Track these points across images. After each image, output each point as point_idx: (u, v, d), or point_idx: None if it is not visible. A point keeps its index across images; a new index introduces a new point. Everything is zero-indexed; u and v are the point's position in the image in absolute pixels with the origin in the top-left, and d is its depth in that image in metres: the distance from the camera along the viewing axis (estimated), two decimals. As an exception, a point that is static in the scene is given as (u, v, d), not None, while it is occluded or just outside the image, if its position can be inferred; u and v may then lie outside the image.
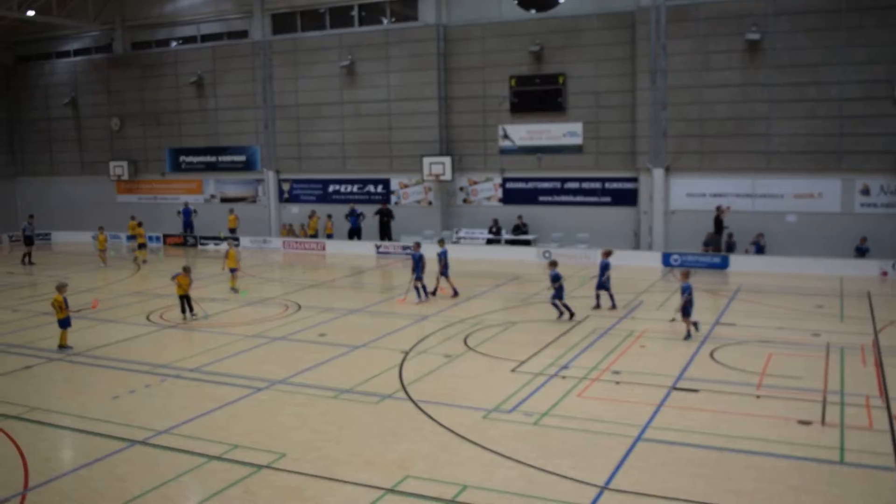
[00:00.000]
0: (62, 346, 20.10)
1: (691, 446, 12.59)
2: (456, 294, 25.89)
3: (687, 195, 32.66)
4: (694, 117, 32.04)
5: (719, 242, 31.33)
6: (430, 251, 34.83)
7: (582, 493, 11.05)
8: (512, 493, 11.05)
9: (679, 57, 31.90)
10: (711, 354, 18.09)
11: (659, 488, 11.11)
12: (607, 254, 23.71)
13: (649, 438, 12.97)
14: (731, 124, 31.54)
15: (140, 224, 37.10)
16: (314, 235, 39.45)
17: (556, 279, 22.21)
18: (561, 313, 22.06)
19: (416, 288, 25.09)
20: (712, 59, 31.53)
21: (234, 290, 27.51)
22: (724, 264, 30.35)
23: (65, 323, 20.17)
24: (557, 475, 11.61)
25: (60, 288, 20.45)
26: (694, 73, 31.83)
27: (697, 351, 18.41)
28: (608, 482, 11.34)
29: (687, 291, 19.70)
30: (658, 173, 32.57)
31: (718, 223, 31.26)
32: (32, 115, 48.76)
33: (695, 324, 19.86)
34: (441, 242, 27.28)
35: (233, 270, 27.71)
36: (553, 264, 22.99)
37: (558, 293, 22.17)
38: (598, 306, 23.37)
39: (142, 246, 36.49)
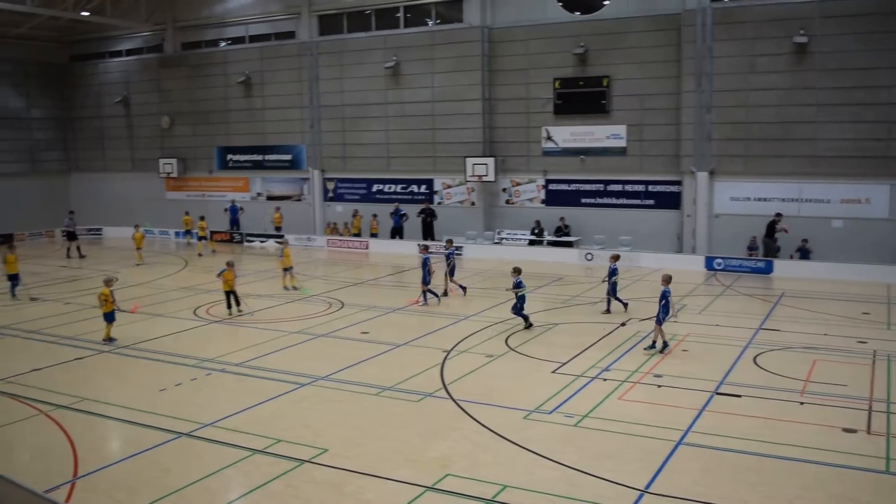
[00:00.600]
0: (107, 339, 20.59)
1: (733, 452, 12.58)
2: (464, 291, 26.35)
3: (731, 199, 32.38)
4: (739, 120, 31.74)
5: (771, 247, 30.83)
6: (472, 251, 35.12)
7: (622, 496, 11.11)
8: (552, 495, 11.13)
9: (725, 60, 31.63)
10: (755, 360, 17.98)
11: (700, 493, 11.12)
12: (616, 258, 23.69)
13: (691, 443, 12.97)
14: (776, 128, 31.20)
15: (202, 218, 39.88)
16: (357, 234, 39.78)
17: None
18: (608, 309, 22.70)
19: (424, 292, 25.18)
20: (758, 62, 31.22)
21: (295, 288, 27.63)
22: (768, 269, 30.05)
23: (109, 317, 20.68)
24: (597, 477, 11.67)
25: (108, 282, 21.00)
26: (740, 75, 31.54)
27: (740, 356, 18.31)
28: (648, 486, 11.38)
29: (664, 298, 18.78)
30: (702, 177, 32.35)
31: (771, 228, 30.73)
32: (86, 114, 49.82)
33: (664, 342, 18.77)
34: (449, 243, 27.55)
35: (287, 269, 27.85)
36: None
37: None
38: (608, 311, 23.31)
39: (202, 238, 39.22)
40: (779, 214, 30.76)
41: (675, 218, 33.71)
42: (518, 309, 21.26)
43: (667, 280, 19.19)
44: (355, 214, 40.08)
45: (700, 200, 32.51)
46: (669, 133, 33.29)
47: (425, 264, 25.05)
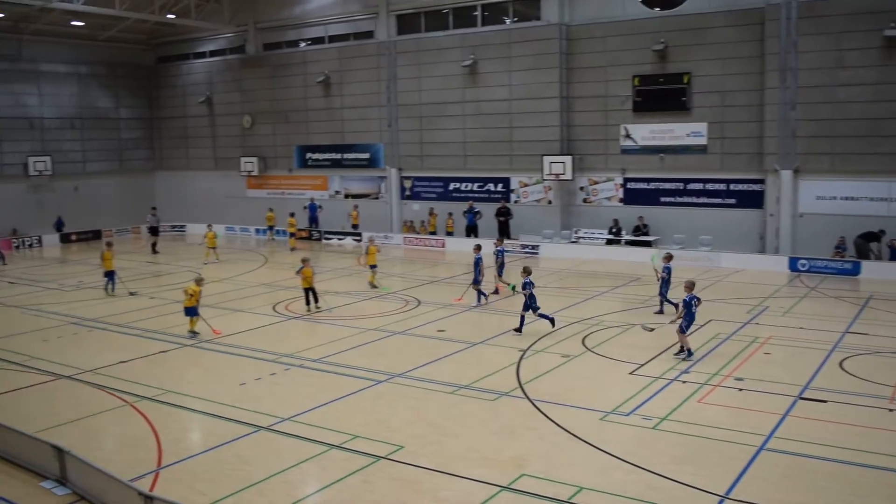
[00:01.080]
0: (191, 332, 21.18)
1: (817, 458, 12.25)
2: (496, 292, 26.26)
3: (817, 198, 31.45)
4: (825, 117, 30.81)
5: (865, 250, 29.77)
6: (548, 250, 34.93)
7: (701, 501, 10.93)
8: (629, 498, 11.01)
9: (810, 55, 30.74)
10: (841, 364, 17.46)
11: (782, 500, 10.87)
12: (669, 258, 23.14)
13: (773, 448, 12.67)
14: (865, 124, 30.18)
15: (292, 215, 40.93)
16: (434, 232, 39.95)
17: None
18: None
19: (480, 292, 24.97)
20: (846, 56, 30.23)
21: (374, 286, 27.85)
22: (855, 271, 29.12)
23: (191, 311, 21.22)
24: (676, 481, 11.50)
25: (198, 281, 21.58)
26: (826, 71, 30.61)
27: (826, 360, 17.80)
28: (729, 491, 11.16)
29: (686, 304, 18.09)
30: (786, 175, 31.51)
31: (872, 236, 29.67)
32: (170, 113, 51.21)
33: (688, 350, 18.10)
34: (499, 241, 27.52)
35: (373, 267, 28.07)
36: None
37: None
38: (660, 311, 22.89)
39: (292, 234, 40.59)
40: (882, 231, 29.72)
41: (757, 217, 32.93)
42: (530, 308, 20.70)
43: (690, 287, 18.47)
44: (431, 212, 40.26)
45: (784, 199, 31.68)
46: (752, 130, 32.53)
47: (477, 264, 24.75)
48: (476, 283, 24.83)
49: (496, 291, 26.26)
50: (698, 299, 18.38)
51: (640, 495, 11.08)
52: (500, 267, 26.75)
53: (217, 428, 14.30)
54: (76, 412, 15.25)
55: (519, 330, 20.72)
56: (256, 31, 46.34)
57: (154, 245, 39.92)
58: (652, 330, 19.76)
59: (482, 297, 25.05)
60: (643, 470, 11.92)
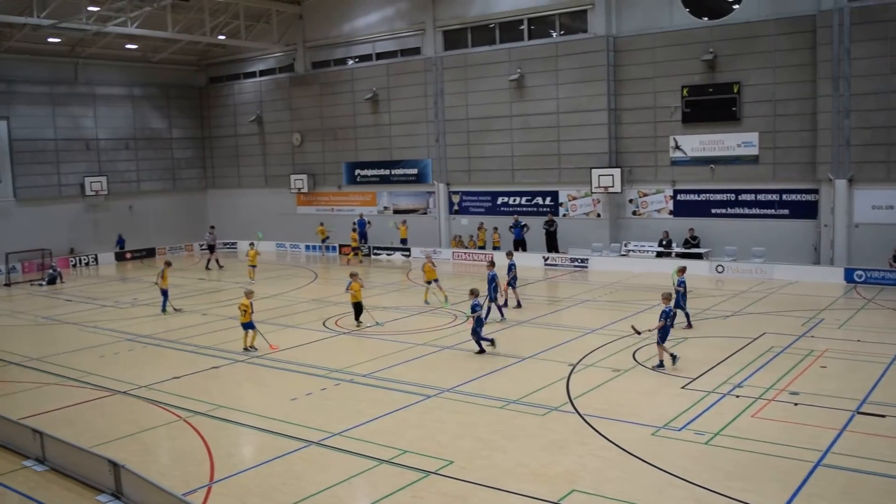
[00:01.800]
0: (246, 348, 21.48)
1: (876, 475, 11.94)
2: (519, 306, 26.18)
3: (872, 207, 30.77)
4: (880, 124, 30.17)
5: None
6: (598, 264, 34.70)
7: (755, 517, 10.73)
8: (681, 514, 10.86)
9: (864, 61, 30.17)
10: (899, 377, 17.05)
11: (839, 517, 10.63)
12: (682, 271, 22.89)
13: (830, 464, 12.39)
14: (922, 132, 29.54)
15: (354, 230, 42.26)
16: (483, 247, 39.92)
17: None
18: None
19: (498, 307, 24.58)
20: (902, 63, 29.67)
21: (436, 299, 27.82)
22: (914, 281, 28.47)
23: (248, 326, 21.54)
24: (729, 498, 11.30)
25: (248, 294, 21.92)
26: (881, 77, 29.97)
27: (884, 373, 17.37)
28: (784, 508, 10.95)
29: (663, 317, 18.27)
30: (840, 184, 30.92)
31: None
32: (222, 133, 52.04)
33: (672, 356, 18.34)
34: (509, 255, 27.62)
35: (433, 281, 27.87)
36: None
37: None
38: (689, 325, 22.54)
39: (355, 249, 41.69)
40: None
41: (811, 228, 32.33)
42: (475, 332, 20.40)
43: (667, 298, 18.75)
44: (480, 227, 40.25)
45: (838, 209, 31.07)
46: (804, 139, 31.99)
47: (492, 281, 24.37)
48: (493, 299, 24.38)
49: (518, 304, 26.38)
50: (675, 312, 18.68)
51: (692, 512, 10.92)
52: (513, 280, 26.60)
53: (268, 442, 14.43)
54: (131, 427, 15.50)
55: (482, 351, 20.42)
56: (305, 50, 46.93)
57: (212, 261, 40.96)
58: (639, 333, 19.29)
59: (501, 312, 24.68)
60: (696, 486, 11.74)
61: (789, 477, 11.95)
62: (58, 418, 16.24)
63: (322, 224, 44.79)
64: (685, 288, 22.48)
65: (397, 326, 24.24)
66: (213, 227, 44.23)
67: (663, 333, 18.42)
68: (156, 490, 11.28)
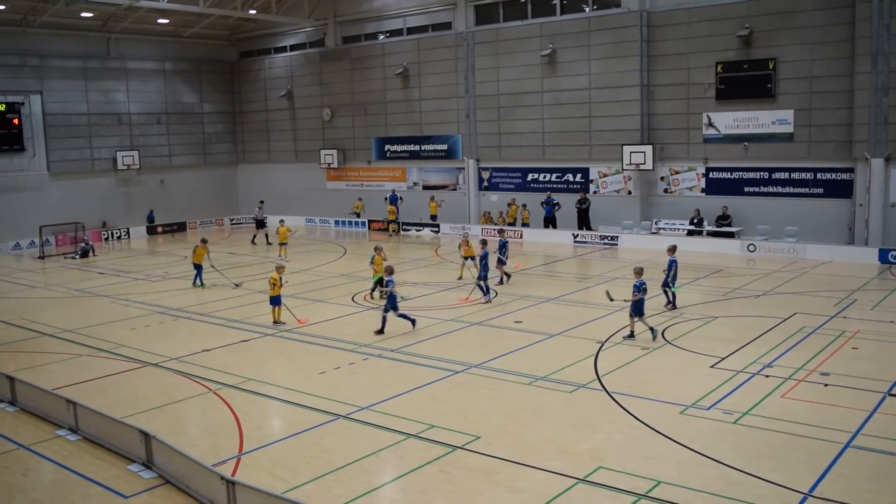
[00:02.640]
0: (276, 322, 21.64)
1: (907, 457, 11.82)
2: (502, 281, 26.52)
3: (910, 187, 30.33)
4: (921, 103, 29.65)
5: None
6: (628, 241, 34.50)
7: (784, 498, 10.65)
8: (709, 493, 10.80)
9: (905, 38, 29.59)
10: (934, 359, 16.82)
11: (869, 500, 10.53)
12: (672, 250, 22.69)
13: (859, 446, 12.27)
14: (963, 110, 28.93)
15: (390, 202, 43.21)
16: (513, 223, 39.81)
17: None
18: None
19: (480, 286, 24.21)
20: (943, 39, 29.01)
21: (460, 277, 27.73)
22: (951, 262, 28.01)
23: (275, 300, 21.70)
24: (758, 478, 11.23)
25: (278, 269, 22.10)
26: (922, 54, 29.43)
27: (917, 355, 17.17)
28: (812, 489, 10.85)
29: (636, 290, 18.90)
30: (877, 163, 30.40)
31: None
32: (252, 107, 52.15)
33: (651, 329, 18.95)
34: (501, 233, 27.71)
35: (470, 258, 27.53)
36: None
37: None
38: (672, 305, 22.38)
39: (391, 223, 42.82)
40: None
41: (846, 207, 31.87)
42: (391, 308, 20.36)
43: (639, 272, 19.57)
44: (511, 203, 40.08)
45: (874, 189, 30.57)
46: (841, 117, 31.46)
47: (483, 259, 24.19)
48: (483, 277, 24.15)
49: (501, 281, 26.61)
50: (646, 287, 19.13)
51: (720, 491, 10.86)
52: (502, 252, 26.65)
53: (297, 416, 14.55)
54: (161, 398, 15.69)
55: (381, 331, 20.28)
56: (336, 25, 46.83)
57: (259, 236, 40.69)
58: (612, 300, 19.58)
59: (488, 291, 24.29)
60: (723, 465, 11.68)
61: (818, 458, 11.85)
62: (90, 389, 16.48)
63: (360, 199, 44.86)
64: (674, 268, 22.20)
65: (426, 302, 24.26)
66: (262, 202, 43.29)
67: (637, 306, 18.88)
68: (186, 460, 11.42)
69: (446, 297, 24.96)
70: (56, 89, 43.70)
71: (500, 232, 28.10)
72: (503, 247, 26.77)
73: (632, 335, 18.96)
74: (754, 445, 12.42)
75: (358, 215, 45.02)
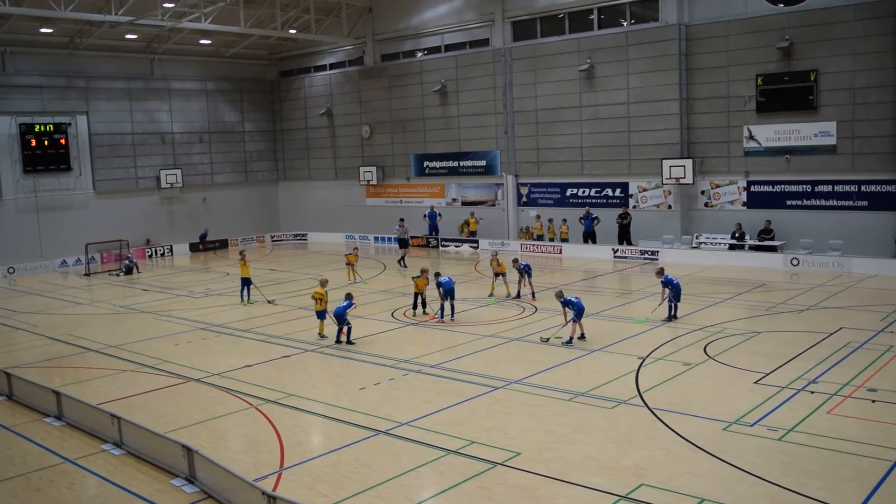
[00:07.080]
0: (321, 335, 21.85)
1: (959, 475, 11.54)
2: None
3: (958, 198, 29.73)
4: (968, 113, 29.10)
5: None
6: (669, 256, 34.20)
7: (831, 515, 10.46)
8: (753, 510, 10.65)
9: (951, 47, 29.11)
10: None
11: (919, 517, 10.29)
12: (660, 272, 23.32)
13: (909, 463, 12.01)
14: None
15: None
16: (552, 239, 39.66)
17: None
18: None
19: (442, 307, 24.08)
20: None
21: (491, 295, 27.62)
22: None
23: (321, 315, 21.93)
24: (803, 496, 11.04)
25: (323, 283, 22.34)
26: (968, 64, 28.91)
27: (968, 370, 16.78)
28: (861, 506, 10.65)
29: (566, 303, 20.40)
30: (924, 175, 29.89)
31: None
32: (293, 126, 52.70)
33: (570, 339, 20.31)
34: (515, 262, 27.80)
35: (499, 275, 27.59)
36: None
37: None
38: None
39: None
40: None
41: (891, 220, 31.29)
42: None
43: (560, 294, 20.93)
44: (549, 220, 39.86)
45: (921, 201, 30.05)
46: (885, 129, 30.97)
47: (441, 286, 24.05)
48: (445, 298, 24.03)
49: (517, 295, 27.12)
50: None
51: (765, 509, 10.70)
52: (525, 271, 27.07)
53: (337, 431, 14.60)
54: (204, 414, 15.85)
55: (348, 342, 21.32)
56: (374, 43, 47.21)
57: (403, 259, 37.03)
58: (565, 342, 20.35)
59: (444, 314, 24.08)
60: (768, 483, 11.49)
61: (866, 475, 11.62)
62: (134, 404, 16.70)
63: (402, 220, 40.48)
64: (671, 285, 22.60)
65: (465, 318, 24.24)
66: (402, 220, 39.94)
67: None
68: (228, 475, 11.51)
69: (485, 314, 24.92)
70: (101, 109, 44.53)
71: (514, 262, 27.78)
72: (527, 270, 27.10)
73: (570, 341, 20.23)
74: (800, 463, 12.21)
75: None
